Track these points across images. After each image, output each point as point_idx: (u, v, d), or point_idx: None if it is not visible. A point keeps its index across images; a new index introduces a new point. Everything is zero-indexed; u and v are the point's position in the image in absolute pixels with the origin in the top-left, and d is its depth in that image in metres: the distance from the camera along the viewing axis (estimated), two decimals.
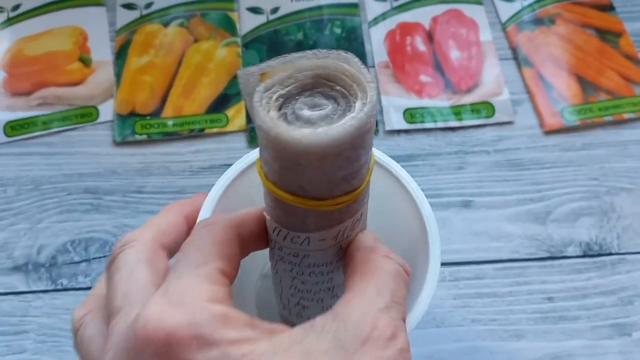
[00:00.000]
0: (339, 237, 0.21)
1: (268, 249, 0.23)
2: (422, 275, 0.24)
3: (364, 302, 0.19)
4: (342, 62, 0.19)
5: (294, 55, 0.19)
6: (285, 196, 0.19)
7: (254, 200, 0.23)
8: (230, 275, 0.20)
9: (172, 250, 0.23)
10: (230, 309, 0.18)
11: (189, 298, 0.18)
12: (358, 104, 0.18)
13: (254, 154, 0.25)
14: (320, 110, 0.18)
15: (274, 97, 0.19)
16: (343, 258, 0.22)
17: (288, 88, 0.19)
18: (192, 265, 0.19)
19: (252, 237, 0.22)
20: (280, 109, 0.19)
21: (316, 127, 0.18)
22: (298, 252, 0.21)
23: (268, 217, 0.21)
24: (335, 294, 0.24)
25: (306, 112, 0.18)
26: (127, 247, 0.22)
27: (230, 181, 0.26)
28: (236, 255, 0.21)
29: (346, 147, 0.18)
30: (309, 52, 0.19)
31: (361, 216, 0.22)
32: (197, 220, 0.24)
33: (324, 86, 0.19)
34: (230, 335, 0.17)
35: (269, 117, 0.18)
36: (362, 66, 0.19)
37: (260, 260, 0.25)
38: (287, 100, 0.19)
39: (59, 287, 0.40)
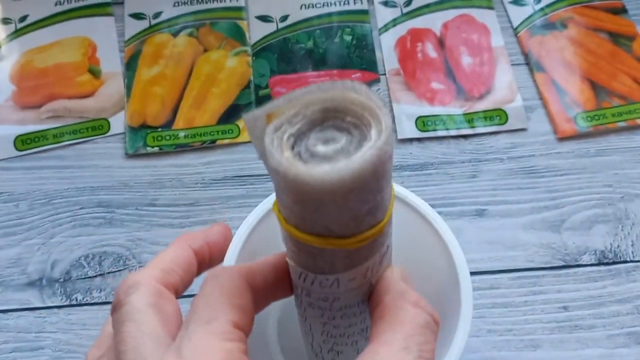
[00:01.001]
0: (369, 274, 0.21)
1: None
2: (452, 321, 0.23)
3: (390, 355, 0.18)
4: (349, 91, 0.18)
5: (299, 91, 0.18)
6: (309, 239, 0.19)
7: (279, 245, 0.22)
8: (245, 327, 0.20)
9: (179, 288, 0.23)
10: None
11: None
12: (374, 132, 0.17)
13: (272, 198, 0.24)
14: (335, 144, 0.18)
15: (285, 136, 0.18)
16: (370, 298, 0.21)
17: (297, 126, 0.18)
18: (202, 321, 0.19)
19: (268, 286, 0.21)
20: (292, 148, 0.18)
21: (335, 163, 0.17)
22: (327, 296, 0.21)
23: (292, 263, 0.21)
24: (369, 335, 0.23)
25: (321, 148, 0.18)
26: (132, 291, 0.21)
27: (252, 228, 0.25)
28: (249, 306, 0.20)
29: (369, 179, 0.17)
30: (313, 86, 0.18)
31: (387, 249, 0.21)
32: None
33: (334, 119, 0.18)
34: None
35: (284, 159, 0.17)
36: (371, 93, 0.18)
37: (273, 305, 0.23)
38: (298, 138, 0.18)
39: (74, 302, 0.41)
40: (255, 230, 0.25)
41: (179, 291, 0.23)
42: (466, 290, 0.23)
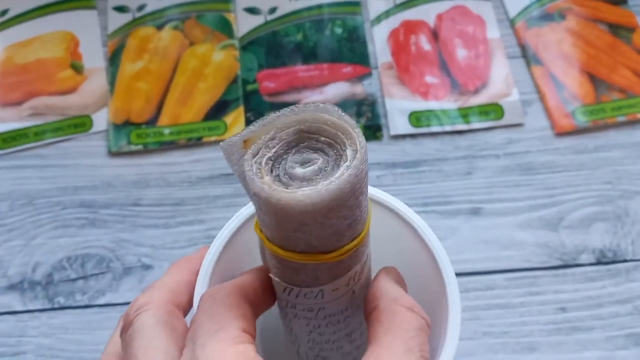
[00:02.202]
0: (351, 283, 0.22)
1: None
2: (440, 329, 0.24)
3: (394, 357, 0.19)
4: (321, 112, 0.19)
5: (272, 115, 0.19)
6: (293, 256, 0.20)
7: (254, 255, 0.23)
8: (252, 332, 0.20)
9: (186, 309, 0.24)
10: None
11: None
12: (349, 152, 0.19)
13: (247, 209, 0.25)
14: (313, 165, 0.19)
15: (263, 160, 0.19)
16: (364, 302, 0.22)
17: (274, 149, 0.19)
18: (211, 332, 0.19)
19: (257, 299, 0.22)
20: (272, 171, 0.19)
21: (315, 184, 0.18)
22: (313, 307, 0.22)
23: (276, 279, 0.21)
24: (353, 339, 0.24)
25: (299, 170, 0.19)
26: (142, 311, 0.22)
27: (227, 240, 0.25)
28: (251, 315, 0.21)
29: (348, 197, 0.18)
30: (286, 110, 0.19)
31: (368, 257, 0.22)
32: (196, 291, 0.24)
33: (309, 140, 0.19)
34: None
35: (266, 184, 0.18)
36: (343, 114, 0.19)
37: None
38: (276, 161, 0.19)
39: (56, 305, 0.40)
40: (229, 244, 0.25)
41: (186, 311, 0.24)
42: (453, 296, 0.23)
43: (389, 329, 0.20)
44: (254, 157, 0.19)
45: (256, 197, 0.19)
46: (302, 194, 0.18)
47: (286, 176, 0.19)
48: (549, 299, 0.40)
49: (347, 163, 0.18)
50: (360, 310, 0.23)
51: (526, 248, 0.41)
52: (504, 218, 0.43)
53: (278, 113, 0.19)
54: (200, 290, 0.24)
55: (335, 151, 0.19)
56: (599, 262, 0.41)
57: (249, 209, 0.25)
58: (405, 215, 0.25)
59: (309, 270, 0.20)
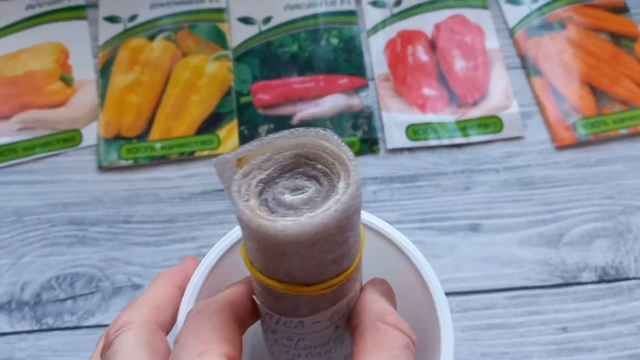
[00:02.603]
0: (334, 318, 0.21)
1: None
2: (432, 343, 0.23)
3: None
4: (321, 139, 0.19)
5: (272, 136, 0.19)
6: (273, 284, 0.19)
7: (245, 272, 0.22)
8: (237, 357, 0.20)
9: (169, 326, 0.23)
10: None
11: None
12: (341, 185, 0.18)
13: (229, 237, 0.25)
14: (302, 193, 0.18)
15: (254, 183, 0.18)
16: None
17: (267, 171, 0.19)
18: (195, 354, 0.19)
19: (247, 313, 0.21)
20: (261, 194, 0.18)
21: (299, 214, 0.18)
22: (292, 336, 0.21)
23: (258, 302, 0.21)
24: None
25: (288, 197, 0.18)
26: (123, 331, 0.21)
27: (215, 262, 0.25)
28: (237, 336, 0.20)
29: (333, 232, 0.18)
30: (286, 132, 0.19)
31: (356, 293, 0.21)
32: (182, 307, 0.23)
33: (305, 165, 0.19)
34: None
35: (248, 208, 0.18)
36: (342, 143, 0.19)
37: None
38: (267, 184, 0.18)
39: (44, 327, 0.39)
40: (223, 259, 0.24)
41: (168, 329, 0.23)
42: (444, 314, 0.23)
43: (373, 348, 0.20)
44: (244, 177, 0.18)
45: (239, 220, 0.18)
46: (283, 224, 0.17)
47: (274, 201, 0.18)
48: (550, 318, 0.39)
49: (337, 197, 0.18)
50: (345, 345, 0.23)
51: (526, 266, 0.41)
52: (503, 234, 0.42)
53: (277, 134, 0.19)
54: (186, 305, 0.23)
55: (329, 181, 0.18)
56: (601, 280, 0.40)
57: (238, 230, 0.24)
58: (388, 234, 0.25)
59: (289, 300, 0.20)
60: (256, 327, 0.29)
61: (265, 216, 0.18)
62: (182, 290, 0.24)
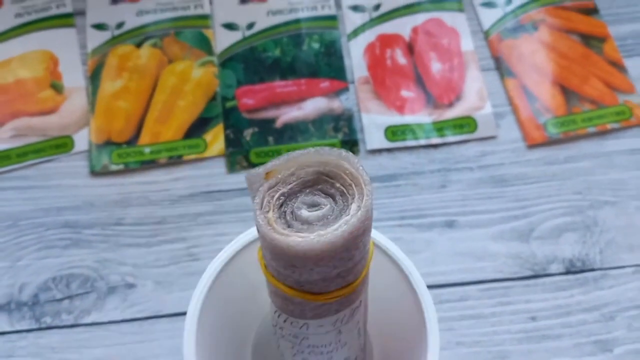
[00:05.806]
0: (338, 324, 0.24)
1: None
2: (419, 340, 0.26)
3: None
4: (343, 160, 0.21)
5: (297, 152, 0.21)
6: (283, 288, 0.22)
7: (249, 278, 0.26)
8: None
9: None
10: None
11: None
12: (354, 207, 0.20)
13: (247, 236, 0.28)
14: (318, 210, 0.21)
15: (276, 195, 0.21)
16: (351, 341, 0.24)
17: (290, 185, 0.21)
18: None
19: None
20: (281, 206, 0.21)
21: (311, 231, 0.20)
22: (297, 335, 0.24)
23: (269, 301, 0.24)
24: None
25: (304, 213, 0.21)
26: None
27: (226, 261, 0.28)
28: None
29: (339, 250, 0.20)
30: (311, 149, 0.21)
31: (360, 303, 0.24)
32: (186, 332, 0.26)
33: (325, 182, 0.21)
34: None
35: (266, 221, 0.20)
36: (361, 167, 0.21)
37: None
38: (288, 198, 0.21)
39: (43, 325, 0.42)
40: (229, 264, 0.28)
41: None
42: (432, 328, 0.26)
43: None
44: (269, 189, 0.21)
45: (257, 229, 0.21)
46: (294, 241, 0.20)
47: (292, 215, 0.21)
48: (520, 308, 0.43)
49: (347, 218, 0.20)
50: (346, 348, 0.25)
51: (499, 259, 0.44)
52: (478, 230, 0.45)
53: (303, 151, 0.21)
54: (190, 330, 0.26)
55: (344, 200, 0.21)
56: (568, 272, 0.44)
57: (247, 236, 0.27)
58: (383, 246, 0.28)
59: (296, 304, 0.23)
60: (262, 319, 0.32)
61: (280, 230, 0.20)
62: None
